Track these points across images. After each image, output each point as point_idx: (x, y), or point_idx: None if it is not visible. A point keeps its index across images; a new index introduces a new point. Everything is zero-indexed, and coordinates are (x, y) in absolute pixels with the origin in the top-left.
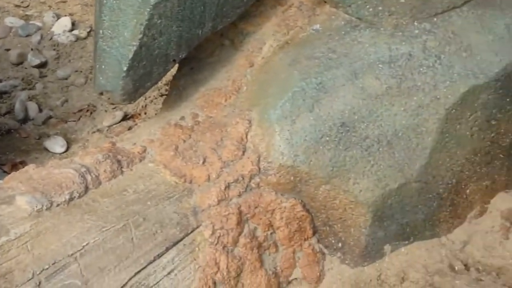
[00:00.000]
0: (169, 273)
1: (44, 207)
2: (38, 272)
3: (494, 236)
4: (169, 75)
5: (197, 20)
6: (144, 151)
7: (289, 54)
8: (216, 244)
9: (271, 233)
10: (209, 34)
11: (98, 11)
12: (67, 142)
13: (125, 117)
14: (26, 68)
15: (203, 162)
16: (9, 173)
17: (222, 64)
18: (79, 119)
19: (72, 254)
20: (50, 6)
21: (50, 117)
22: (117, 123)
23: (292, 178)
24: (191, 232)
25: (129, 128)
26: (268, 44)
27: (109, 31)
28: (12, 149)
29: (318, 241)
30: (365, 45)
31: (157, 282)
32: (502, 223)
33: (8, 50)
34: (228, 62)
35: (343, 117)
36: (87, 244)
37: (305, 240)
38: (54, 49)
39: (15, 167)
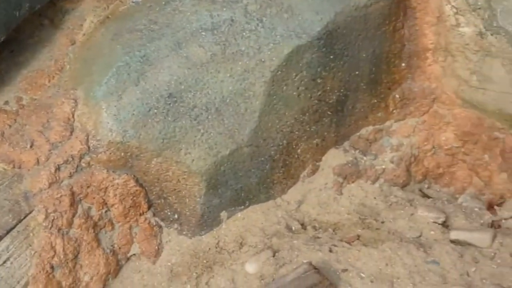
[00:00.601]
0: (4, 262)
1: None
2: None
3: (328, 192)
4: None
5: (13, 1)
6: None
7: (111, 28)
8: (50, 228)
9: (105, 211)
10: (27, 15)
11: None
12: None
13: None
14: None
15: (31, 146)
16: None
17: (43, 45)
18: None
19: None
20: None
21: None
22: None
23: (122, 154)
24: (24, 218)
25: None
26: (89, 20)
27: None
28: None
29: (154, 215)
30: (187, 14)
31: None
32: (335, 179)
33: None
34: (49, 41)
35: (170, 88)
36: None
37: (140, 215)
38: None
39: None
